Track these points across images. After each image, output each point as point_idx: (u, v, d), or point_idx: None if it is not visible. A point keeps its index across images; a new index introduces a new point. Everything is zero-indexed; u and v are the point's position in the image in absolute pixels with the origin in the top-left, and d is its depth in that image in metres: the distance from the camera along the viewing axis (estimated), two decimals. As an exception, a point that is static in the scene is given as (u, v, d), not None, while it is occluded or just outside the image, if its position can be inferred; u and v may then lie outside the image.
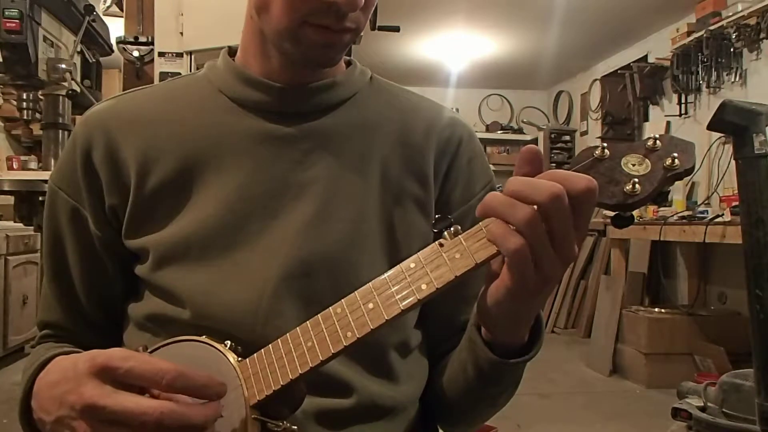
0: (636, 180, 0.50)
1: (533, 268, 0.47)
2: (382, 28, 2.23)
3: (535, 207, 0.46)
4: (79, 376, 0.52)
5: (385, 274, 0.52)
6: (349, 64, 0.77)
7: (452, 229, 0.51)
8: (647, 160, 0.51)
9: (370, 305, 0.52)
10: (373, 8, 0.67)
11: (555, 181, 0.47)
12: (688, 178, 4.02)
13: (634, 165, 0.51)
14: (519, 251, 0.46)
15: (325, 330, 0.53)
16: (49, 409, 0.55)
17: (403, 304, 0.51)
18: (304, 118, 0.70)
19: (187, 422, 0.51)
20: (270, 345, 0.57)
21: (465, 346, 0.64)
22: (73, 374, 0.53)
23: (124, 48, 2.17)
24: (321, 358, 0.53)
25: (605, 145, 0.52)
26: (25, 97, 2.01)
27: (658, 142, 0.51)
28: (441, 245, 0.51)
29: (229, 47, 0.76)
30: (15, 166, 3.22)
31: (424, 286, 0.50)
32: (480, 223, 0.50)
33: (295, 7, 0.61)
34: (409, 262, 0.52)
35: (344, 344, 0.52)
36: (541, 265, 0.48)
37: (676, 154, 0.50)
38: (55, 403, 0.54)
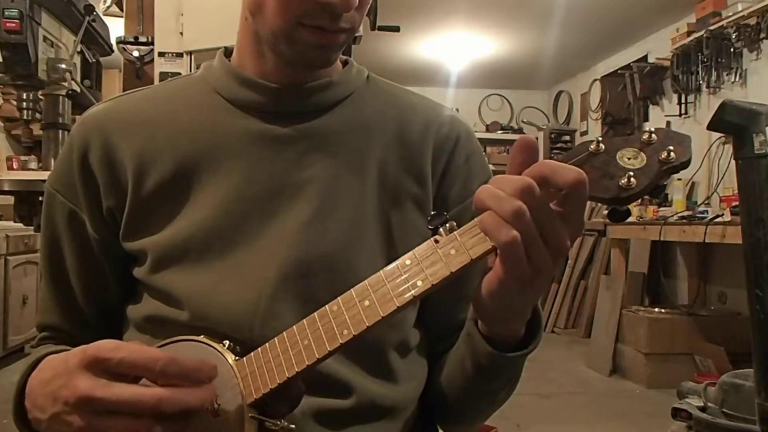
0: (631, 173, 0.49)
1: (526, 260, 0.47)
2: (382, 28, 2.22)
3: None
4: (71, 370, 0.52)
5: (381, 271, 0.52)
6: (345, 63, 0.77)
7: (447, 225, 0.51)
8: (642, 153, 0.51)
9: (366, 302, 0.52)
10: (368, 7, 0.67)
11: (543, 172, 0.47)
12: (688, 178, 4.03)
13: (630, 158, 0.50)
14: (510, 243, 0.46)
15: (321, 328, 0.53)
16: (44, 407, 0.55)
17: (399, 300, 0.51)
18: (300, 118, 0.70)
19: (185, 406, 0.51)
20: (267, 343, 0.57)
21: (463, 341, 0.64)
22: (64, 369, 0.53)
23: (124, 48, 2.16)
24: (317, 356, 0.53)
25: (600, 139, 0.52)
26: (25, 97, 2.00)
27: (653, 135, 0.51)
28: (436, 241, 0.51)
29: (225, 48, 0.76)
30: (15, 166, 3.20)
31: (419, 283, 0.50)
32: (474, 219, 0.50)
33: (289, 9, 0.61)
34: (405, 259, 0.52)
35: (340, 342, 0.52)
36: (532, 256, 0.48)
37: (671, 147, 0.49)
38: (49, 400, 0.54)
